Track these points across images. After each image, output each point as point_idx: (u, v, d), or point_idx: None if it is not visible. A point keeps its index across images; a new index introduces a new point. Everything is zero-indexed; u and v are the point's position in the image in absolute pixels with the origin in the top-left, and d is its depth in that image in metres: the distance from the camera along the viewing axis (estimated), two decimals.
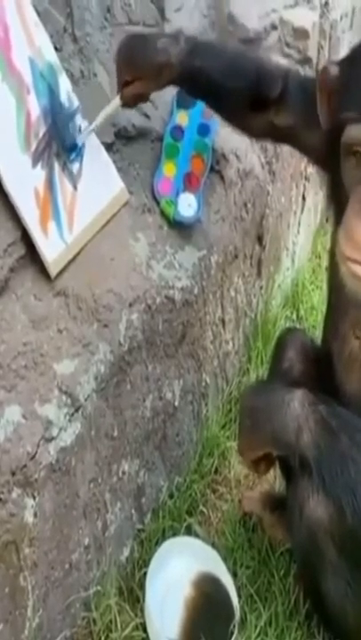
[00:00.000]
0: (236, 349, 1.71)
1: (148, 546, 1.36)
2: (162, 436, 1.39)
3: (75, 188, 1.23)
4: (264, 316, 1.86)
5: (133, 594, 1.30)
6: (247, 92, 1.21)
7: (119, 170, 1.34)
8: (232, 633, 1.25)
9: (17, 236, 1.11)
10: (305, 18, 1.95)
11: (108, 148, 1.34)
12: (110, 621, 1.22)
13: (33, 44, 1.17)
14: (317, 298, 2.06)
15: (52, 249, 1.15)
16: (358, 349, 1.12)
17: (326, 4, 2.08)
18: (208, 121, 1.47)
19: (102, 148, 1.31)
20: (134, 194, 1.36)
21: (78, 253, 1.21)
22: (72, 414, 1.08)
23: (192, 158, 1.46)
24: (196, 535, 1.42)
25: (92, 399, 1.13)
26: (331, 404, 1.08)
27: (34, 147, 1.15)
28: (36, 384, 1.06)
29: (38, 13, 1.19)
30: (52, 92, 1.20)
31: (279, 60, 1.80)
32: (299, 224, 2.10)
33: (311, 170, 2.00)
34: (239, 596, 1.31)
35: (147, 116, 1.45)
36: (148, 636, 1.25)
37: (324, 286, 1.49)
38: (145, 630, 1.25)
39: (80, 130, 1.24)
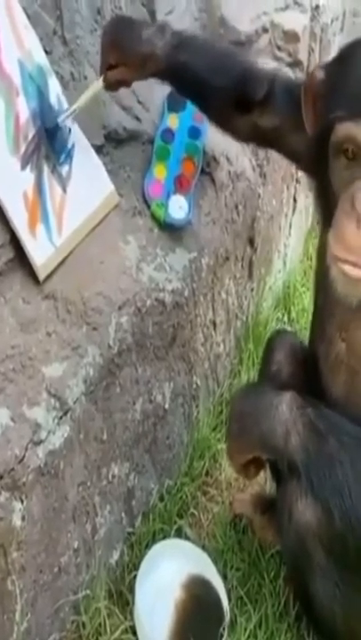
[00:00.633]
0: (227, 351, 1.71)
1: (138, 549, 1.36)
2: (152, 439, 1.39)
3: (64, 190, 1.23)
4: (255, 318, 1.86)
5: (123, 597, 1.30)
6: (232, 91, 1.20)
7: (109, 172, 1.34)
8: (222, 635, 1.25)
9: (5, 240, 1.10)
10: (296, 21, 1.95)
11: (99, 150, 1.33)
12: (100, 625, 1.22)
13: (22, 46, 1.17)
14: (309, 300, 2.06)
15: (40, 252, 1.15)
16: (345, 352, 1.12)
17: (317, 7, 2.09)
18: (199, 124, 1.48)
19: (92, 151, 1.30)
20: (125, 196, 1.36)
21: (67, 256, 1.21)
22: (61, 417, 1.08)
23: (183, 161, 1.46)
24: (187, 538, 1.42)
25: (81, 402, 1.13)
26: (318, 407, 1.09)
27: (23, 149, 1.14)
28: (25, 387, 1.06)
29: (28, 16, 1.19)
30: (42, 95, 1.20)
31: (270, 63, 1.81)
32: (290, 226, 2.11)
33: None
34: (229, 599, 1.31)
35: (137, 118, 1.45)
36: (137, 639, 1.25)
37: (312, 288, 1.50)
38: (135, 633, 1.25)
39: (70, 131, 1.24)
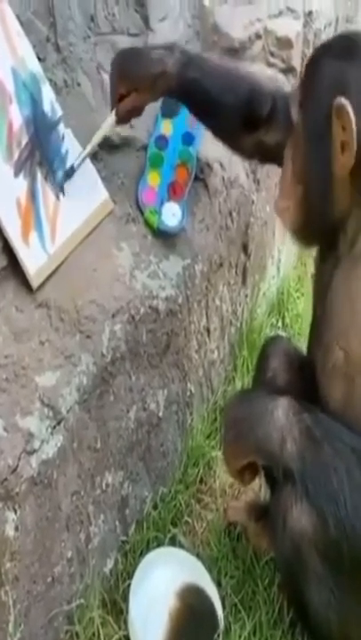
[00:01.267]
0: (221, 358, 1.71)
1: (132, 557, 1.35)
2: (146, 447, 1.38)
3: (57, 197, 1.22)
4: (249, 324, 1.86)
5: (117, 606, 1.29)
6: (240, 109, 1.22)
7: (103, 179, 1.33)
8: None
9: None
10: (289, 27, 1.96)
11: (93, 157, 1.33)
12: (93, 634, 1.21)
13: (16, 53, 1.16)
14: (303, 305, 2.07)
15: (33, 260, 1.15)
16: (343, 360, 1.12)
17: (310, 13, 2.10)
18: (193, 130, 1.47)
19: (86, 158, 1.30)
20: (118, 203, 1.36)
21: (61, 264, 1.20)
22: (54, 427, 1.07)
23: (176, 167, 1.46)
24: (181, 546, 1.41)
25: (75, 411, 1.12)
26: (315, 412, 1.09)
27: (16, 156, 1.14)
28: (18, 396, 1.05)
29: (21, 23, 1.18)
30: (35, 102, 1.19)
31: (264, 70, 1.81)
32: (284, 232, 2.11)
33: None
34: (223, 606, 1.30)
35: (131, 125, 1.45)
36: None
37: (310, 295, 1.50)
38: None
39: (63, 137, 1.24)
